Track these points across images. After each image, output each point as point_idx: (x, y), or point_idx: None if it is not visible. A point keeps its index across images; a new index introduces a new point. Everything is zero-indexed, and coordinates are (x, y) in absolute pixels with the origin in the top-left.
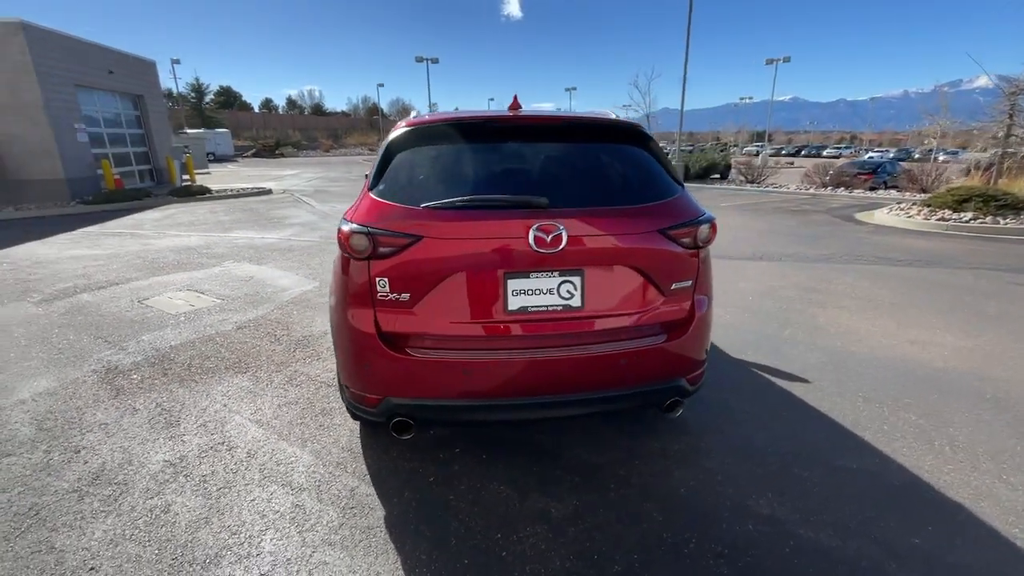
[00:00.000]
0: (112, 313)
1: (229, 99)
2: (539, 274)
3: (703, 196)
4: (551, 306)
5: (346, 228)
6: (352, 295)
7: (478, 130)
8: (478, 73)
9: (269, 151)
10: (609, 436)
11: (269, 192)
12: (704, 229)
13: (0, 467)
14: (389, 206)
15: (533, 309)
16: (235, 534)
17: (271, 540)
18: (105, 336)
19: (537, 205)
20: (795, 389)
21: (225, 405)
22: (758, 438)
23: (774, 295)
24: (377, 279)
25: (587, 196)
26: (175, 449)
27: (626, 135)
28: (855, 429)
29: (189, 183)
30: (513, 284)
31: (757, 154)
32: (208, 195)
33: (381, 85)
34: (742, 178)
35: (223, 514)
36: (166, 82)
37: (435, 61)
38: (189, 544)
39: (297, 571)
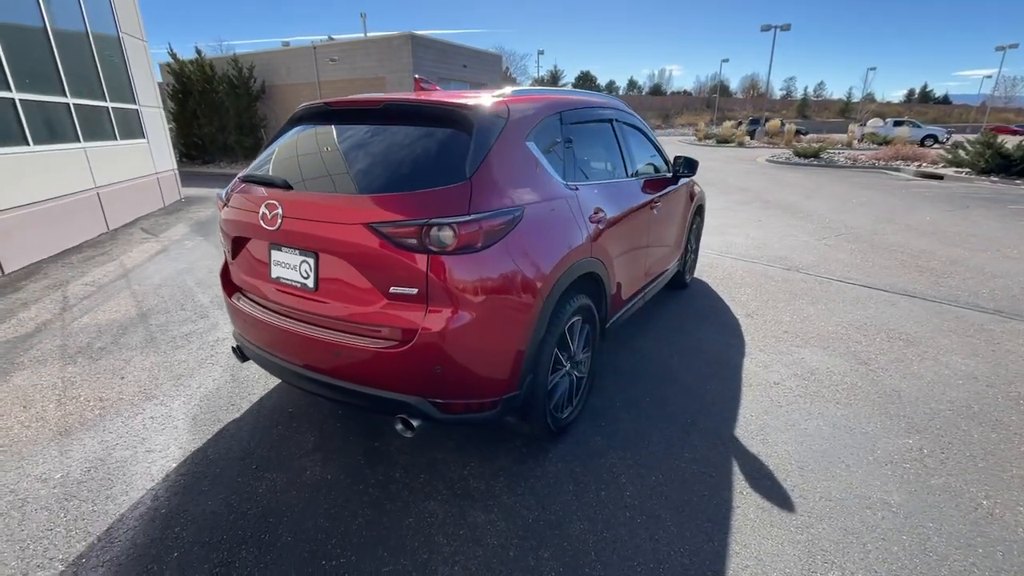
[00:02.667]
0: None
1: (587, 83)
2: (288, 250)
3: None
4: (293, 281)
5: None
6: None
7: (321, 114)
8: (861, 36)
9: None
10: (480, 444)
11: None
12: (443, 233)
13: (174, 315)
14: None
15: (284, 281)
16: (177, 385)
17: (181, 400)
18: None
19: (277, 184)
20: (776, 519)
21: None
22: (613, 536)
23: (987, 388)
24: (220, 234)
25: (349, 180)
26: (215, 332)
27: (433, 118)
28: None
29: None
30: (274, 255)
31: None
32: None
33: (726, 60)
34: None
35: (189, 377)
36: (531, 70)
37: (785, 28)
38: (154, 382)
39: (160, 424)
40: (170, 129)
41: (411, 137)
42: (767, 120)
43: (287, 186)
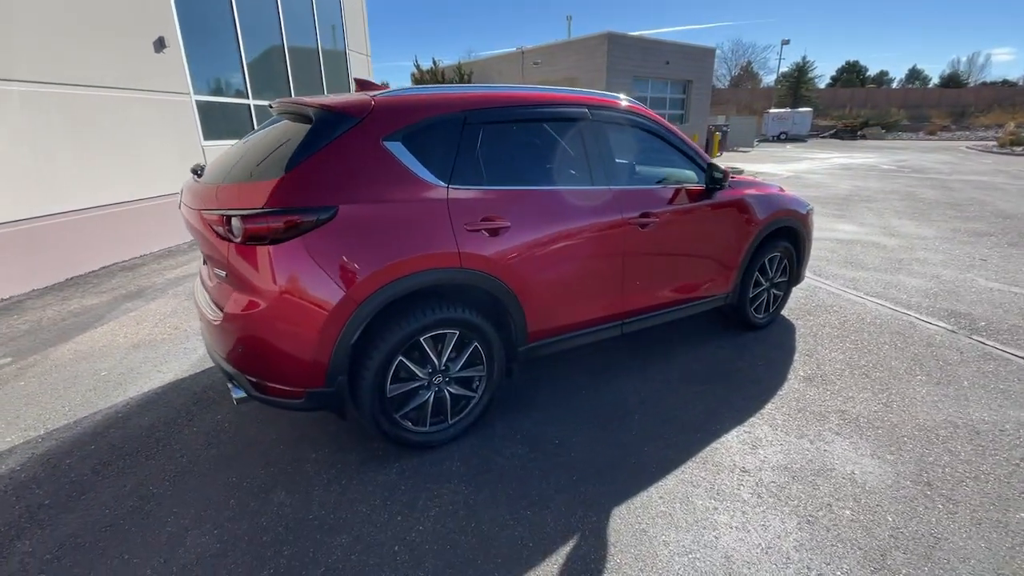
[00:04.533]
0: None
1: (852, 73)
2: None
3: None
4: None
5: None
6: None
7: (276, 112)
8: None
9: (850, 132)
10: (350, 436)
11: (740, 172)
12: (236, 224)
13: None
14: None
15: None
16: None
17: None
18: None
19: (192, 172)
20: None
21: None
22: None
23: None
24: None
25: (224, 171)
26: None
27: (302, 117)
28: None
29: None
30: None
31: None
32: None
33: None
34: None
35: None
36: (772, 63)
37: None
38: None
39: (183, 355)
40: None
41: (280, 135)
42: None
43: (197, 175)
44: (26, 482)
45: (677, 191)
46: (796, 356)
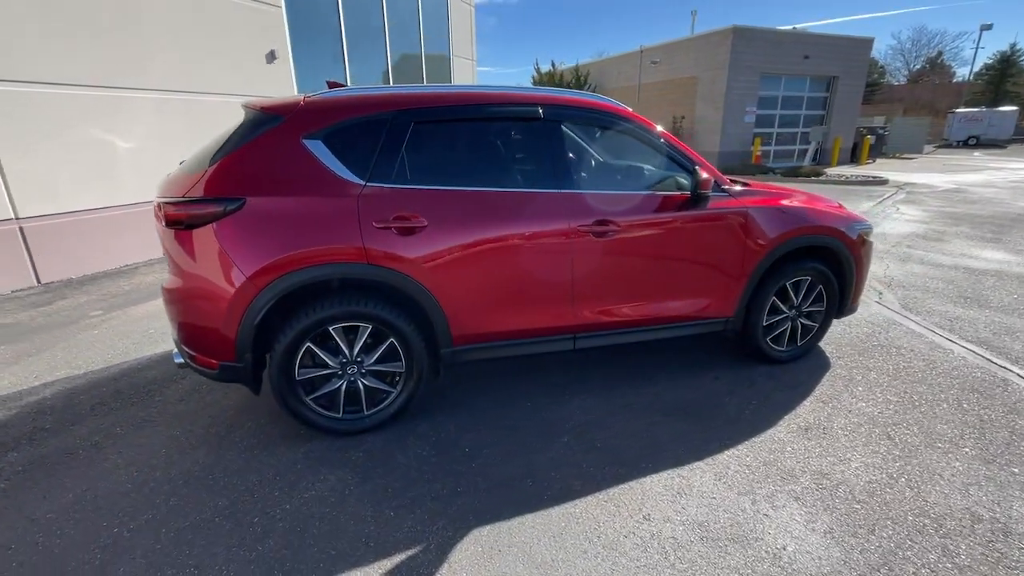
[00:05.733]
0: None
1: None
2: None
3: None
4: None
5: None
6: None
7: None
8: None
9: None
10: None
11: (882, 183)
12: (162, 209)
13: None
14: None
15: None
16: None
17: None
18: None
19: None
20: None
21: None
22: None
23: None
24: None
25: (194, 163)
26: None
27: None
28: None
29: (858, 164)
30: None
31: None
32: (819, 178)
33: None
34: None
35: None
36: (966, 54)
37: None
38: None
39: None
40: None
41: (230, 132)
42: None
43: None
44: (45, 409)
45: (652, 198)
46: (807, 401)
